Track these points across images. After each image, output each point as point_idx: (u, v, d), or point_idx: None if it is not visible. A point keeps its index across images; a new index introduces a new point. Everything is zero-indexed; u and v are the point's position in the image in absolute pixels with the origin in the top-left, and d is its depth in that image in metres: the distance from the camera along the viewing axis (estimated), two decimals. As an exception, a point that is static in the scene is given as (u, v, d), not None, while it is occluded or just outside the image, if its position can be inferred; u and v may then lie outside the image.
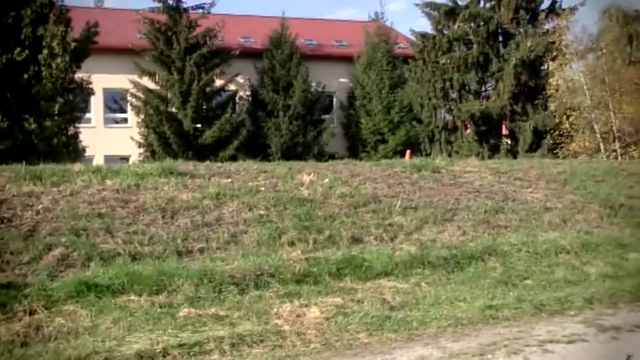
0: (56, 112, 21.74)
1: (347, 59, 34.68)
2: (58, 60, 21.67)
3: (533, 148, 29.52)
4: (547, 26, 31.07)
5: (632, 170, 16.44)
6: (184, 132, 29.55)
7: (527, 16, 31.46)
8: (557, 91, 28.69)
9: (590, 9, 45.05)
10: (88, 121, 29.31)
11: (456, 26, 31.49)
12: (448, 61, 30.93)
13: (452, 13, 31.68)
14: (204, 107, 30.58)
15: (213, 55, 30.61)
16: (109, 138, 30.29)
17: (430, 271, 9.75)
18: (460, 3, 32.04)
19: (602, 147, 27.85)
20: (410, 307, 8.26)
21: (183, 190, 11.02)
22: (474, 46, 31.39)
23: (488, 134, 31.31)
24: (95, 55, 24.70)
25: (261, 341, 6.94)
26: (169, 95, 30.06)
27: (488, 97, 31.90)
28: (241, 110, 31.94)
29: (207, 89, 30.54)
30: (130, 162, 24.16)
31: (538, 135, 29.81)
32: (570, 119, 28.03)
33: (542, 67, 31.00)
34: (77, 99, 23.60)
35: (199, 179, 11.58)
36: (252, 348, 6.82)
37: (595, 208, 13.41)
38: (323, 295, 8.47)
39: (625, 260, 10.96)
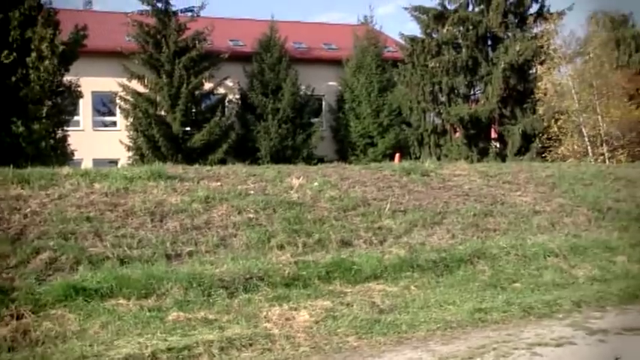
0: (44, 115, 21.64)
1: (336, 62, 34.74)
2: (47, 63, 21.59)
3: (522, 151, 29.65)
4: (535, 30, 31.25)
5: (619, 174, 16.53)
6: (173, 135, 29.49)
7: (516, 21, 31.63)
8: (545, 94, 28.87)
9: (578, 13, 45.39)
10: (77, 124, 29.23)
11: (445, 30, 31.62)
12: (437, 65, 31.04)
13: (441, 17, 31.80)
14: (194, 110, 30.54)
15: (203, 59, 30.57)
16: (97, 141, 30.18)
17: (419, 274, 9.76)
18: (449, 7, 32.17)
19: (590, 150, 28.02)
20: (399, 310, 8.26)
21: (172, 193, 10.99)
22: (463, 49, 31.53)
23: (477, 138, 31.43)
24: (84, 58, 24.63)
25: (251, 345, 6.93)
26: (158, 98, 29.98)
27: (477, 101, 32.03)
28: (230, 113, 31.90)
29: (197, 92, 30.50)
30: (119, 165, 24.07)
31: (527, 138, 29.95)
32: (559, 123, 28.20)
33: (530, 71, 31.18)
34: (65, 102, 23.50)
35: (188, 183, 11.56)
36: (242, 352, 6.81)
37: (583, 211, 13.47)
38: (312, 298, 8.46)
39: (613, 263, 11.02)
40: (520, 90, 31.00)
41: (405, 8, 32.48)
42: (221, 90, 31.93)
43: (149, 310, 7.71)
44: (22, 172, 10.94)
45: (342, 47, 35.51)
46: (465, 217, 12.11)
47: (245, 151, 29.94)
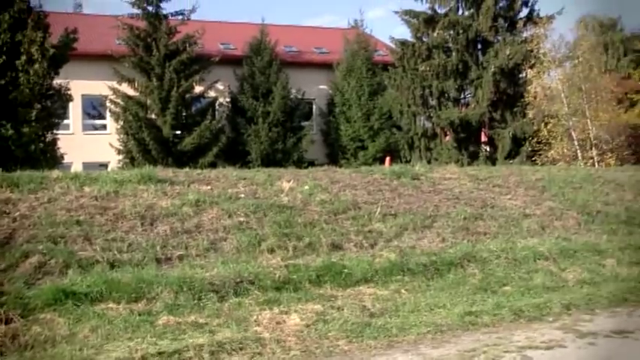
0: (34, 119, 21.58)
1: (327, 66, 34.78)
2: (36, 66, 21.53)
3: (512, 155, 29.74)
4: (525, 34, 31.35)
5: (608, 177, 16.61)
6: (164, 138, 29.42)
7: (506, 25, 31.73)
8: (535, 98, 28.98)
9: (567, 17, 45.69)
10: (67, 127, 29.12)
11: (435, 34, 31.69)
12: (427, 69, 31.12)
13: (431, 20, 31.87)
14: (184, 114, 30.49)
15: (193, 62, 30.53)
16: (87, 144, 30.07)
17: (410, 277, 9.77)
18: (439, 11, 32.24)
19: (579, 154, 28.15)
20: (390, 313, 8.27)
21: (163, 197, 10.96)
22: (453, 53, 31.61)
23: (468, 141, 31.51)
24: (74, 61, 24.56)
25: (241, 349, 6.92)
26: (149, 102, 29.92)
27: (467, 105, 32.11)
28: (221, 117, 31.88)
29: (187, 96, 30.45)
30: (109, 169, 23.99)
31: (517, 142, 30.04)
32: (548, 126, 28.32)
33: (520, 75, 31.29)
34: (55, 105, 23.44)
35: (179, 186, 11.53)
36: (232, 356, 6.80)
37: (573, 214, 13.53)
38: (303, 302, 8.46)
39: (602, 266, 11.07)
40: (510, 94, 31.10)
41: (396, 12, 32.56)
42: (211, 93, 31.90)
43: (139, 314, 7.69)
44: (11, 175, 10.89)
45: (332, 51, 35.55)
46: (456, 221, 12.13)
47: (235, 155, 29.92)
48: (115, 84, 29.82)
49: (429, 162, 27.15)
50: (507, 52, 30.15)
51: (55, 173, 11.46)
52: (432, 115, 31.56)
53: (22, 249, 8.74)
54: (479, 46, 32.09)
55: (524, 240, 11.79)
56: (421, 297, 9.06)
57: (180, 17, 30.95)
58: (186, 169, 13.19)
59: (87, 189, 10.81)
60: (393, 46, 33.28)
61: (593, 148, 28.29)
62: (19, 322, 7.21)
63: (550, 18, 30.46)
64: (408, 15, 32.32)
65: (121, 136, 29.63)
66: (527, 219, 12.91)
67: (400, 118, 32.23)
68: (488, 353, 6.93)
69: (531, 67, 29.46)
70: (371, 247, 10.66)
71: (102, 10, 60.76)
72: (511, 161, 28.09)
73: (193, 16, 31.15)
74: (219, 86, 32.08)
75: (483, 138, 32.20)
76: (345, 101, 33.67)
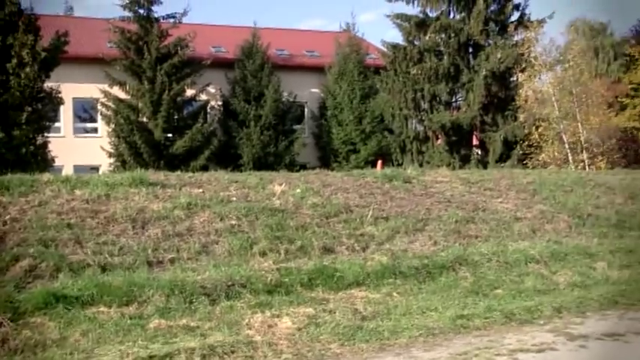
0: (24, 122, 21.51)
1: (318, 69, 34.80)
2: (27, 69, 21.47)
3: (503, 158, 29.82)
4: (516, 38, 31.47)
5: (599, 180, 16.68)
6: (155, 142, 29.36)
7: (497, 28, 31.84)
8: (526, 102, 29.08)
9: (558, 22, 45.98)
10: (58, 130, 29.03)
11: (426, 37, 31.76)
12: (419, 72, 31.17)
13: (422, 24, 31.95)
14: (176, 117, 30.43)
15: (185, 65, 30.50)
16: (78, 148, 29.97)
17: (402, 281, 9.78)
18: (431, 14, 32.32)
19: (570, 157, 28.26)
20: (381, 317, 8.27)
21: (154, 200, 10.94)
22: (445, 57, 31.69)
23: (459, 145, 31.58)
24: (65, 64, 24.50)
25: (233, 352, 6.90)
26: (140, 105, 29.85)
27: (458, 108, 32.18)
28: (212, 120, 31.84)
29: (179, 99, 30.41)
30: (100, 172, 23.90)
31: (508, 145, 30.13)
32: (539, 130, 28.43)
33: (511, 79, 31.38)
34: (46, 108, 23.37)
35: (170, 189, 11.51)
36: (224, 359, 6.78)
37: (564, 217, 13.58)
38: (295, 305, 8.45)
39: (593, 269, 11.11)
40: (501, 97, 31.20)
41: (387, 16, 32.58)
42: (203, 96, 31.86)
43: (130, 318, 7.67)
44: (1, 178, 10.85)
45: (324, 54, 35.58)
46: (447, 224, 12.16)
47: (227, 158, 29.88)
48: (106, 87, 29.76)
49: (420, 165, 27.18)
50: (498, 56, 30.24)
51: (46, 176, 11.42)
52: (423, 118, 31.62)
53: (13, 252, 8.70)
54: (470, 50, 32.18)
55: (515, 243, 11.82)
56: (413, 300, 9.07)
57: (171, 20, 30.90)
58: (178, 173, 13.17)
59: (78, 192, 10.78)
60: (384, 49, 33.34)
61: (584, 152, 28.42)
62: (8, 326, 7.17)
63: (541, 22, 30.60)
64: (400, 18, 32.37)
65: (113, 139, 29.55)
66: (518, 222, 12.95)
67: (392, 121, 32.28)
68: (480, 356, 6.94)
69: (522, 71, 29.57)
70: (363, 250, 10.66)
71: (93, 13, 60.75)
72: (502, 164, 28.17)
73: (185, 20, 31.15)
74: (211, 89, 32.05)
75: (475, 141, 32.27)
76: (336, 104, 33.69)
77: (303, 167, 24.29)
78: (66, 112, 30.22)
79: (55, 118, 26.36)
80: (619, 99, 36.73)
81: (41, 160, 21.90)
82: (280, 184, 12.41)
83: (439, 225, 12.07)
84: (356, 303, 8.77)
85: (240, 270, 9.13)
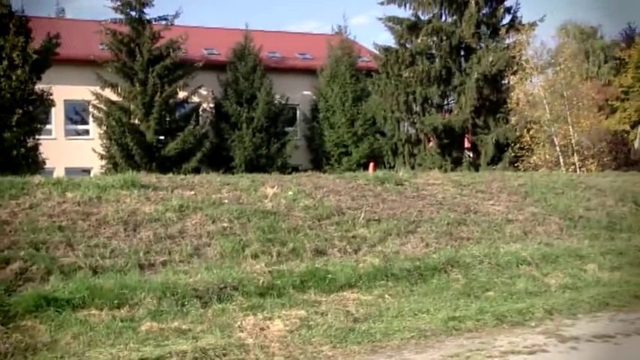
0: (15, 124, 21.42)
1: (310, 72, 34.81)
2: (18, 71, 21.41)
3: (495, 160, 29.90)
4: (508, 41, 31.57)
5: (590, 183, 16.74)
6: (147, 144, 29.29)
7: (489, 32, 31.93)
8: (517, 104, 29.17)
9: (549, 25, 46.21)
10: (49, 132, 28.93)
11: (418, 40, 31.82)
12: (411, 75, 31.23)
13: (414, 27, 32.00)
14: (168, 119, 30.38)
15: (177, 67, 30.45)
16: (70, 150, 29.87)
17: (393, 283, 9.79)
18: (422, 17, 32.39)
19: (561, 160, 28.36)
20: (373, 319, 8.28)
21: (146, 202, 10.91)
22: (437, 60, 31.76)
23: (451, 147, 31.64)
24: (56, 67, 24.43)
25: (225, 355, 6.89)
26: (132, 107, 29.78)
27: (450, 111, 32.25)
28: (205, 122, 31.80)
29: (171, 101, 30.36)
30: (92, 174, 23.86)
31: (499, 148, 30.21)
32: (531, 132, 28.54)
33: (503, 82, 31.47)
34: (37, 110, 23.30)
35: (162, 191, 11.49)
36: (216, 362, 6.77)
37: (555, 220, 13.63)
38: (287, 307, 8.44)
39: (583, 271, 11.15)
40: (493, 100, 31.28)
41: (379, 18, 32.65)
42: (195, 99, 31.82)
43: (122, 321, 7.64)
44: (-8, 181, 10.80)
45: (316, 57, 35.60)
46: (439, 226, 12.18)
47: (219, 160, 29.85)
48: (97, 89, 29.67)
49: (412, 168, 27.24)
50: (490, 59, 30.33)
51: (37, 179, 11.37)
52: (415, 121, 31.67)
53: (3, 255, 8.66)
54: (462, 53, 32.26)
55: (506, 245, 11.86)
56: (405, 302, 9.08)
57: (163, 22, 30.85)
58: (170, 175, 13.15)
59: (69, 195, 10.74)
60: (376, 52, 33.39)
61: (575, 154, 28.54)
62: (-1, 329, 7.14)
63: (532, 25, 30.70)
64: (392, 21, 32.44)
65: (104, 141, 29.47)
66: (509, 224, 12.99)
67: (384, 124, 32.32)
68: (472, 358, 6.96)
69: (514, 74, 29.67)
70: (355, 252, 10.67)
71: (85, 15, 60.50)
72: (494, 167, 28.26)
73: (177, 22, 31.11)
74: (203, 92, 32.01)
75: (466, 144, 32.36)
76: (328, 107, 33.71)
77: (295, 170, 24.22)
78: (57, 114, 30.12)
79: (47, 120, 26.28)
80: (609, 102, 36.96)
81: (32, 163, 21.82)
82: (272, 187, 12.41)
83: (431, 227, 12.09)
84: (348, 305, 8.78)
85: (232, 272, 9.12)
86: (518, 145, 28.90)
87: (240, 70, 32.00)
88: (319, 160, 32.85)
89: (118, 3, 30.21)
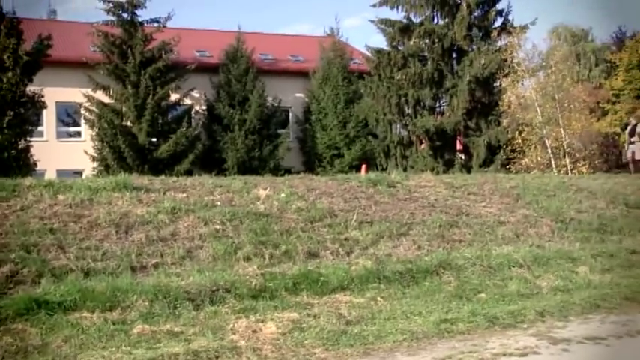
0: (6, 126, 21.35)
1: (303, 74, 34.85)
2: (10, 73, 21.36)
3: (487, 163, 29.98)
4: (499, 44, 31.69)
5: (581, 185, 16.78)
6: (139, 146, 29.26)
7: (481, 34, 32.05)
8: (509, 107, 29.28)
9: (540, 28, 46.50)
10: (40, 134, 28.86)
11: (410, 43, 31.90)
12: (403, 77, 31.29)
13: (407, 29, 32.08)
14: (160, 121, 30.37)
15: (169, 69, 30.44)
16: (61, 152, 29.81)
17: (386, 285, 9.79)
18: (415, 20, 32.48)
19: (553, 162, 28.47)
20: (366, 321, 8.27)
21: (138, 204, 10.88)
22: (429, 62, 31.85)
23: (443, 149, 31.72)
24: (48, 68, 24.38)
25: (217, 357, 6.88)
26: (124, 109, 29.75)
27: (442, 113, 32.34)
28: (197, 124, 31.81)
29: (163, 103, 30.34)
30: (84, 176, 23.78)
31: (491, 150, 30.30)
32: (522, 135, 28.64)
33: (495, 84, 31.57)
34: (29, 112, 23.24)
35: (154, 194, 11.46)
36: (208, 364, 6.76)
37: (547, 222, 13.65)
38: (279, 310, 8.43)
39: (575, 273, 11.17)
40: (485, 102, 31.39)
41: (372, 21, 32.73)
42: (187, 101, 31.83)
43: (113, 323, 7.62)
44: (-17, 183, 10.75)
45: (308, 59, 35.64)
46: (431, 228, 12.19)
47: (211, 162, 29.84)
48: (89, 91, 29.62)
49: (404, 170, 27.28)
50: (482, 61, 30.44)
51: (29, 181, 11.32)
52: (407, 123, 31.73)
53: (-6, 258, 8.62)
54: (454, 55, 32.36)
55: (498, 247, 11.87)
56: (397, 304, 9.08)
57: (155, 24, 30.85)
58: (162, 177, 13.11)
59: (61, 197, 10.70)
60: (369, 54, 33.45)
61: (567, 157, 28.65)
62: (-10, 332, 7.11)
63: (524, 28, 30.84)
64: (384, 24, 32.51)
65: (96, 143, 29.42)
66: (501, 226, 13.00)
67: (376, 126, 32.37)
68: (464, 360, 6.97)
69: (506, 76, 29.79)
70: (347, 254, 10.66)
71: (76, 17, 60.32)
72: (486, 169, 28.32)
73: (169, 24, 31.11)
74: (195, 94, 32.01)
75: (458, 146, 32.44)
76: (321, 109, 33.75)
77: (288, 172, 24.24)
78: (49, 117, 30.07)
79: (38, 122, 26.22)
80: (600, 104, 37.14)
81: (23, 165, 21.78)
82: (265, 189, 12.40)
83: (423, 229, 12.10)
84: (340, 307, 8.77)
85: (225, 275, 9.11)
86: (509, 148, 29.00)
87: (233, 73, 32.01)
88: (312, 163, 32.88)
89: (110, 5, 30.22)
